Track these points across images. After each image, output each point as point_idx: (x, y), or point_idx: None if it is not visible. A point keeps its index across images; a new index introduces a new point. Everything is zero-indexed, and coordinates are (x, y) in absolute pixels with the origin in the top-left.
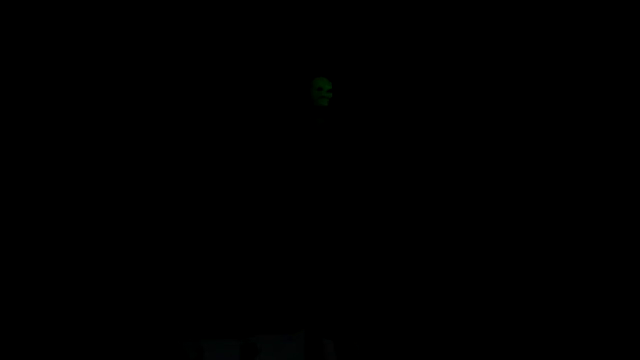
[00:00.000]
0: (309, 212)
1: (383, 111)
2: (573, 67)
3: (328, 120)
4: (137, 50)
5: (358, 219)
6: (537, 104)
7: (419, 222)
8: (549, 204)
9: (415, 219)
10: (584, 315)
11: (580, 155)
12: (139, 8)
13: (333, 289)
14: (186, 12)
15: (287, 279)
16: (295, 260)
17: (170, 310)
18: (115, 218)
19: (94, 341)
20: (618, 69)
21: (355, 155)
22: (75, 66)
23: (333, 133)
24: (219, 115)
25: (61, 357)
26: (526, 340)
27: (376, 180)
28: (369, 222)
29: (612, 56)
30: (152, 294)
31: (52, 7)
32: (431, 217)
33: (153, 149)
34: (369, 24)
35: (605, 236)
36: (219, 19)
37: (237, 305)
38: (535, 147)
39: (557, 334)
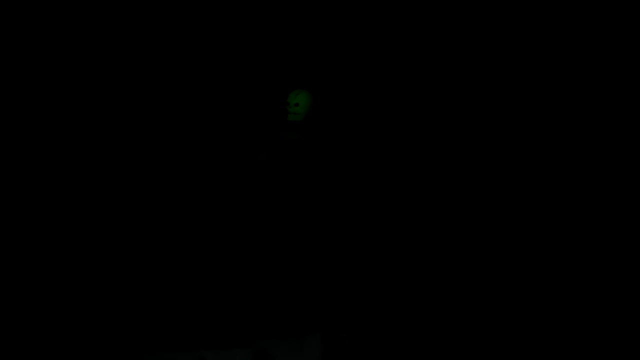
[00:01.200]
0: (315, 212)
1: (364, 122)
2: (573, 67)
3: (302, 135)
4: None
5: (363, 218)
6: (536, 105)
7: (425, 222)
8: (549, 204)
9: (421, 219)
10: (584, 315)
11: (580, 155)
12: (137, 9)
13: (346, 286)
14: (176, 21)
15: (296, 283)
16: (302, 263)
17: (174, 318)
18: (127, 224)
19: (94, 348)
20: (618, 69)
21: (348, 161)
22: (75, 66)
23: (307, 147)
24: (219, 116)
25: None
26: (527, 340)
27: (378, 179)
28: (375, 220)
29: (612, 56)
30: (155, 299)
31: (52, 7)
32: (436, 217)
33: (153, 152)
34: (350, 36)
35: (605, 236)
36: (202, 29)
37: (247, 311)
38: (535, 148)
39: (557, 334)
